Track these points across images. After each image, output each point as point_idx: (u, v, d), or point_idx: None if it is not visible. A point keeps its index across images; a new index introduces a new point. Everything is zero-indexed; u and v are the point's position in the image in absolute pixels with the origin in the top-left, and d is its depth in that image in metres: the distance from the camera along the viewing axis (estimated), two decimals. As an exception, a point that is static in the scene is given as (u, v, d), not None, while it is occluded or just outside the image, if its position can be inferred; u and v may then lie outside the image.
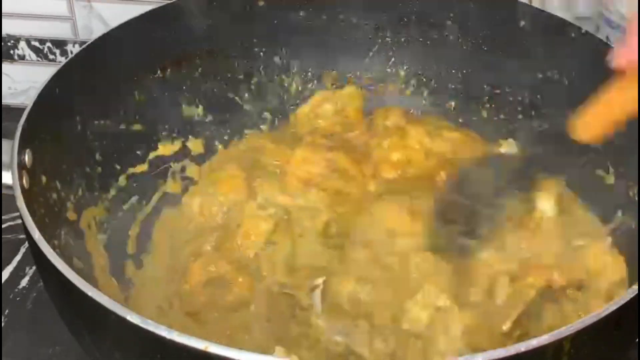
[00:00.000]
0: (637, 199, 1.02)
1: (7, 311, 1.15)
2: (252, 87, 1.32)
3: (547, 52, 1.15)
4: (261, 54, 1.30)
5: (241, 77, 1.31)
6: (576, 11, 1.32)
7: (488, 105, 1.26)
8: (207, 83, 1.28)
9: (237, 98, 1.31)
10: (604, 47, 1.05)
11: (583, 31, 1.11)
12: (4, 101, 1.51)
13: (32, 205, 0.94)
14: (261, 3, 1.26)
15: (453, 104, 1.29)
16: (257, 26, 1.27)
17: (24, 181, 0.94)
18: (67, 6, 1.41)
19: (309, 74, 1.33)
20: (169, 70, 1.24)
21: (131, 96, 1.21)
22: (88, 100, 1.13)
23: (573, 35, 1.12)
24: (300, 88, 1.34)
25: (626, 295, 0.77)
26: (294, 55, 1.32)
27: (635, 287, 0.78)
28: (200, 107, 1.28)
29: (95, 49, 1.14)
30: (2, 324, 1.13)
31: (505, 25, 1.19)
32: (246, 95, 1.31)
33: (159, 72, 1.23)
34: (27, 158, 0.97)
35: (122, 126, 1.20)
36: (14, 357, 1.09)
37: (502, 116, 1.26)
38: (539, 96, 1.20)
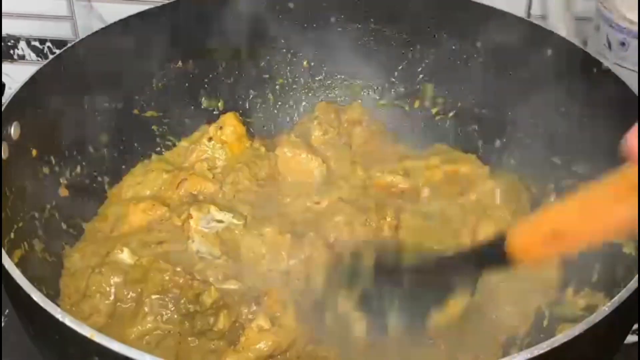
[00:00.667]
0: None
1: (7, 311, 1.15)
2: (277, 87, 1.32)
3: (568, 86, 1.12)
4: (289, 56, 1.30)
5: (266, 76, 1.31)
6: (576, 11, 1.32)
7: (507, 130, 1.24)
8: (230, 79, 1.29)
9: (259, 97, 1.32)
10: (621, 86, 1.04)
11: (604, 67, 1.08)
12: (3, 101, 1.51)
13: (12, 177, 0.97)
14: (291, 5, 1.26)
15: (476, 127, 1.27)
16: (285, 28, 1.27)
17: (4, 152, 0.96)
18: (67, 6, 1.41)
19: (335, 81, 1.33)
20: (191, 61, 1.25)
21: (149, 84, 1.22)
22: (100, 82, 1.14)
23: (595, 70, 1.09)
24: (328, 95, 1.34)
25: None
26: (323, 61, 1.32)
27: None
28: (221, 101, 1.29)
29: (114, 31, 1.16)
30: (2, 324, 1.13)
31: (532, 52, 1.16)
32: (269, 95, 1.32)
33: (180, 62, 1.24)
34: (13, 130, 0.98)
35: (135, 111, 1.21)
36: (14, 357, 1.09)
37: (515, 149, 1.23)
38: (559, 130, 1.16)
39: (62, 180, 1.11)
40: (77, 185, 1.14)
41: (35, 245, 1.03)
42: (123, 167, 1.21)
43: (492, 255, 0.78)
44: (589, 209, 0.68)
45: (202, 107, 1.28)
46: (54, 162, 1.09)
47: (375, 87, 1.32)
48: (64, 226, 1.11)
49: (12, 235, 0.97)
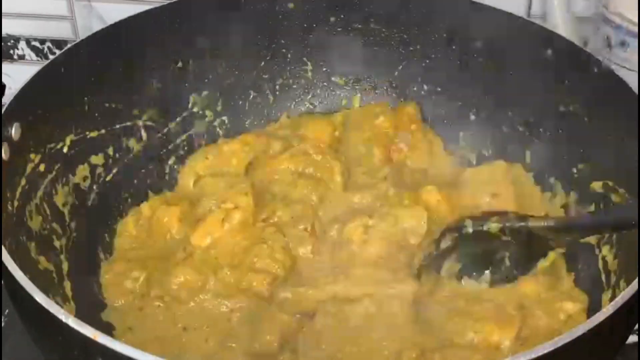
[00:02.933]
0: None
1: (7, 311, 1.15)
2: (277, 87, 1.32)
3: (568, 84, 1.13)
4: (289, 56, 1.30)
5: (266, 76, 1.31)
6: (576, 11, 1.32)
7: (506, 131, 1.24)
8: (230, 79, 1.29)
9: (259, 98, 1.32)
10: (621, 86, 1.04)
11: (604, 67, 1.08)
12: (3, 101, 1.50)
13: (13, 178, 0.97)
14: (291, 5, 1.26)
15: (473, 117, 1.27)
16: (286, 28, 1.27)
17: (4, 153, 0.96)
18: (67, 6, 1.41)
19: (336, 82, 1.33)
20: (191, 62, 1.25)
21: (149, 84, 1.22)
22: (99, 82, 1.14)
23: (596, 70, 1.09)
24: (328, 95, 1.34)
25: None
26: (323, 61, 1.31)
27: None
28: (221, 101, 1.29)
29: (115, 32, 1.15)
30: (2, 324, 1.13)
31: (531, 52, 1.16)
32: (269, 95, 1.32)
33: (180, 63, 1.24)
34: (14, 131, 0.98)
35: (135, 112, 1.21)
36: (14, 357, 1.09)
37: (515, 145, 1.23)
38: (560, 130, 1.16)
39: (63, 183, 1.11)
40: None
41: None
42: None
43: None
44: None
45: (202, 107, 1.28)
46: (55, 163, 1.09)
47: (376, 87, 1.33)
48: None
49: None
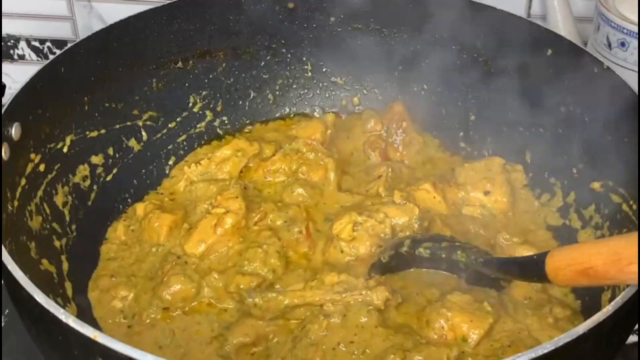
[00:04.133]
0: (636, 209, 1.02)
1: (7, 311, 1.15)
2: (277, 87, 1.32)
3: (568, 84, 1.13)
4: (289, 56, 1.31)
5: (266, 76, 1.31)
6: (576, 11, 1.32)
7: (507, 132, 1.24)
8: (230, 79, 1.29)
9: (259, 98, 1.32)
10: (621, 86, 1.04)
11: (604, 67, 1.08)
12: (4, 101, 1.50)
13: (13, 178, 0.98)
14: (291, 5, 1.26)
15: (473, 117, 1.27)
16: (286, 28, 1.28)
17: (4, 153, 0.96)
18: (67, 6, 1.41)
19: (335, 81, 1.34)
20: (191, 62, 1.25)
21: (149, 84, 1.22)
22: (99, 82, 1.15)
23: (596, 70, 1.08)
24: (328, 95, 1.34)
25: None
26: (323, 61, 1.32)
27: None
28: (221, 101, 1.29)
29: (115, 32, 1.16)
30: (2, 324, 1.13)
31: (532, 52, 1.16)
32: (269, 95, 1.32)
33: (180, 63, 1.24)
34: (14, 131, 0.98)
35: (135, 112, 1.21)
36: (14, 357, 1.09)
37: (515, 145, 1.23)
38: (560, 130, 1.16)
39: (63, 183, 1.11)
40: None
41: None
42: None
43: (531, 269, 0.90)
44: (613, 258, 0.77)
45: (202, 107, 1.28)
46: (55, 163, 1.09)
47: (376, 87, 1.33)
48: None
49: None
